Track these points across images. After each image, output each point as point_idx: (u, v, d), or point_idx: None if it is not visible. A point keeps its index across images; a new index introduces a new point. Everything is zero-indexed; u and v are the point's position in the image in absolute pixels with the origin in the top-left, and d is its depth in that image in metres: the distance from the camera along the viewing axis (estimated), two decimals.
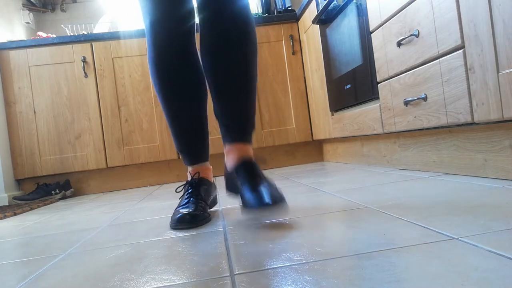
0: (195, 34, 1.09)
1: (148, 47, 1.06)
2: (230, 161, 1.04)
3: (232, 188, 1.05)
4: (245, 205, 0.91)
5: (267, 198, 0.85)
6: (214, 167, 2.62)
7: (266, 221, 0.92)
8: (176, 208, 1.05)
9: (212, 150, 2.53)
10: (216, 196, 1.19)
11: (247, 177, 0.96)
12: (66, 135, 2.50)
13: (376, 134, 1.70)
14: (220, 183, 2.09)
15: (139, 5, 1.06)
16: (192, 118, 1.08)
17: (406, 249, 0.59)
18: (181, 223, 0.97)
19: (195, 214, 0.98)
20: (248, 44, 1.03)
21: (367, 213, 0.86)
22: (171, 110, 1.07)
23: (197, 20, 1.10)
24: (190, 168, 1.13)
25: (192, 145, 1.11)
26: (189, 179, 1.12)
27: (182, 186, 1.12)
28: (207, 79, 1.08)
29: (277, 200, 0.85)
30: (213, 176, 2.59)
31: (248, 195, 0.91)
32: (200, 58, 1.09)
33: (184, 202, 1.04)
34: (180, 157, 1.14)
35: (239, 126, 1.04)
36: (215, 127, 2.54)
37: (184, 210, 0.99)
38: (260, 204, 0.86)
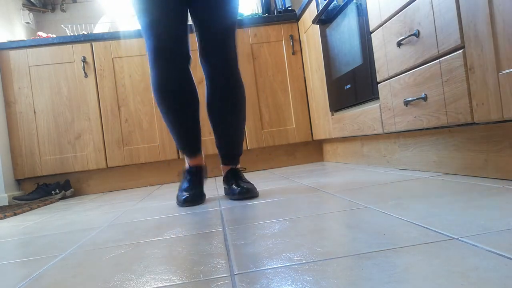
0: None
1: (152, 74, 1.32)
2: (224, 171, 1.50)
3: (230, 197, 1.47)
4: (231, 196, 1.40)
5: (243, 192, 1.35)
6: (210, 166, 2.62)
7: (266, 221, 0.93)
8: (179, 190, 1.42)
9: (213, 150, 2.54)
10: (207, 174, 1.58)
11: (232, 179, 1.43)
12: (66, 135, 2.50)
13: (376, 134, 1.70)
14: (220, 182, 2.09)
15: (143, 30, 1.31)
16: (190, 124, 1.39)
17: (406, 249, 0.59)
18: (188, 202, 1.35)
19: (196, 195, 1.37)
20: (239, 99, 1.39)
21: (367, 213, 0.86)
22: (174, 121, 1.37)
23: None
24: (189, 159, 1.45)
25: (191, 144, 1.43)
26: (186, 165, 1.46)
27: (183, 171, 1.47)
28: (209, 118, 1.44)
29: (249, 193, 1.35)
30: (211, 177, 2.60)
31: (233, 190, 1.38)
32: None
33: (185, 186, 1.41)
34: (180, 157, 1.44)
35: (231, 156, 1.47)
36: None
37: (187, 193, 1.37)
38: (239, 196, 1.35)
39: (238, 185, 1.37)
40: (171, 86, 1.32)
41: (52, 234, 1.16)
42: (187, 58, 1.34)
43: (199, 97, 1.41)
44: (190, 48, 1.36)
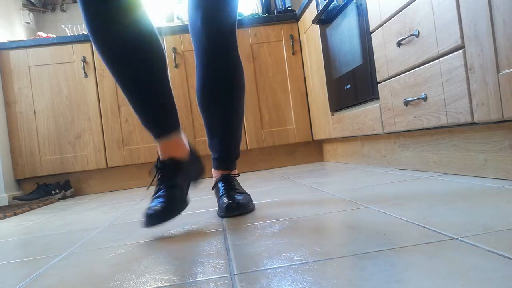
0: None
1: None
2: (215, 178, 1.18)
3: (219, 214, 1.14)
4: (219, 212, 1.08)
5: (231, 207, 1.04)
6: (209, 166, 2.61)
7: (266, 221, 0.93)
8: (151, 199, 0.98)
9: None
10: (199, 167, 1.12)
11: (224, 189, 1.11)
12: (66, 135, 2.50)
13: (376, 134, 1.70)
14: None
15: None
16: (149, 84, 0.95)
17: (406, 249, 0.59)
18: (152, 219, 0.89)
19: (163, 209, 0.90)
20: (236, 90, 1.13)
21: (367, 213, 0.86)
22: (122, 76, 0.94)
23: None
24: (159, 144, 1.00)
25: (155, 114, 0.98)
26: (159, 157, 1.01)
27: (154, 171, 1.01)
28: (201, 111, 1.16)
29: (240, 208, 1.05)
30: (211, 177, 2.59)
31: (221, 204, 1.07)
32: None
33: (155, 192, 0.97)
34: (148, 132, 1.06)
35: (228, 159, 1.17)
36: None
37: (154, 206, 0.91)
38: (227, 212, 1.04)
39: (228, 198, 1.06)
40: (106, 15, 0.88)
41: (52, 234, 1.16)
42: None
43: (162, 48, 0.98)
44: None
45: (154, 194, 0.97)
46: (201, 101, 1.14)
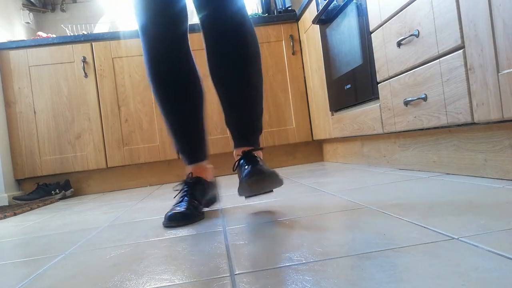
0: (188, 35, 1.13)
1: (143, 50, 1.11)
2: (237, 157, 1.11)
3: (241, 191, 1.06)
4: (241, 191, 1.03)
5: (255, 173, 0.95)
6: (215, 167, 2.61)
7: (266, 221, 0.93)
8: (172, 206, 1.11)
9: (212, 150, 2.53)
10: (215, 195, 1.22)
11: (248, 162, 1.01)
12: (66, 135, 2.50)
13: (376, 134, 1.70)
14: (221, 182, 2.09)
15: (132, 8, 1.10)
16: (188, 119, 1.13)
17: (406, 249, 0.59)
18: (171, 221, 1.02)
19: (185, 213, 1.03)
20: (250, 51, 1.08)
21: (367, 213, 0.86)
22: (167, 111, 1.12)
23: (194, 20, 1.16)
24: (188, 168, 1.18)
25: (189, 145, 1.15)
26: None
27: (180, 185, 1.17)
28: (214, 86, 1.13)
29: (267, 178, 0.96)
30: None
31: (248, 171, 0.96)
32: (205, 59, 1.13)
33: (177, 201, 1.10)
34: (180, 157, 1.15)
35: (247, 135, 1.10)
36: (215, 127, 2.54)
37: (176, 209, 1.05)
38: (258, 176, 0.94)
39: (252, 173, 0.97)
40: (161, 66, 1.07)
41: (52, 234, 1.16)
42: (183, 32, 1.08)
43: (203, 89, 1.15)
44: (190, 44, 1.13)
45: (177, 202, 1.09)
46: (214, 68, 1.09)
